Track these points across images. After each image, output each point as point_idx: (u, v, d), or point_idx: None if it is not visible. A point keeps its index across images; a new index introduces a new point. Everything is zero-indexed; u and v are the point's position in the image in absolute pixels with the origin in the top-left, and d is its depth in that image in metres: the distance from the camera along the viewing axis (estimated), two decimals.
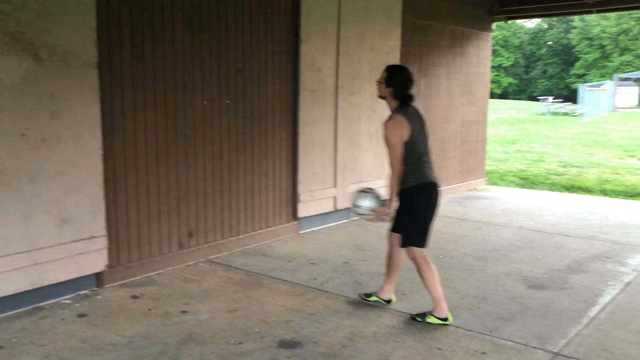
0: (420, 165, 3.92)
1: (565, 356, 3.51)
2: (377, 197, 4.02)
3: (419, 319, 3.98)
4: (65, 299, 4.29)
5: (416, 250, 3.95)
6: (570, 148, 16.75)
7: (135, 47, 4.64)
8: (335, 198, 6.79)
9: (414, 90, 4.02)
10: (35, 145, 3.98)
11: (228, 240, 5.62)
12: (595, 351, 3.59)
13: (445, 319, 3.95)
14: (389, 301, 4.28)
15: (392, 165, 3.91)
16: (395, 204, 4.01)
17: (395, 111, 3.93)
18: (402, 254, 4.14)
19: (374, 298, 4.30)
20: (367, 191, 4.08)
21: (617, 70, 45.62)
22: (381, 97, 4.03)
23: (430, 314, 3.98)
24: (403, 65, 4.16)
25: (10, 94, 3.81)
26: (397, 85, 3.93)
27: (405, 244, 4.00)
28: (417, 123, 3.98)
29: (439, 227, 6.83)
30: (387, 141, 3.88)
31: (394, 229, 4.13)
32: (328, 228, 6.66)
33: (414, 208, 3.95)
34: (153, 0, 4.72)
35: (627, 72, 43.59)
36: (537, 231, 6.72)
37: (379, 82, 4.00)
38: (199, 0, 5.09)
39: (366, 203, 4.00)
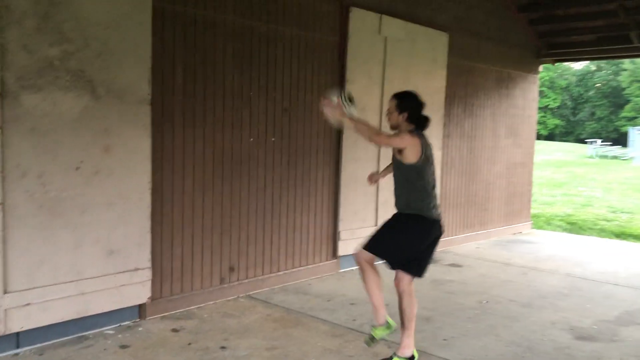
0: (425, 195, 3.74)
1: None
2: (344, 96, 3.79)
3: (370, 343, 3.89)
4: (109, 329, 4.37)
5: (364, 254, 3.78)
6: (620, 193, 16.23)
7: (186, 85, 4.81)
8: None
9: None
10: (89, 178, 4.13)
11: (268, 276, 5.64)
12: None
13: (412, 357, 3.82)
14: (411, 358, 3.86)
15: (381, 136, 3.77)
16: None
17: (410, 131, 3.73)
18: (412, 299, 3.84)
19: (395, 359, 3.87)
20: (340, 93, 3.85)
21: None
22: (393, 127, 3.84)
23: (373, 326, 3.88)
24: (409, 90, 3.94)
25: (69, 128, 3.99)
26: (412, 107, 3.77)
27: (367, 247, 3.79)
28: (430, 151, 3.78)
29: (482, 271, 6.71)
30: (402, 140, 3.67)
31: (369, 246, 3.81)
32: None
33: (408, 230, 3.75)
34: (205, 40, 4.91)
35: None
36: (585, 279, 6.49)
37: (389, 112, 3.84)
38: (250, 41, 5.26)
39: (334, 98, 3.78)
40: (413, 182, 3.75)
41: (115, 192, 4.29)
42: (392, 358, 3.84)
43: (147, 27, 4.40)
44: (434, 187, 3.82)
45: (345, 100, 3.77)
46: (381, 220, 6.75)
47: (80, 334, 4.22)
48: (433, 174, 3.83)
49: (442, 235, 3.91)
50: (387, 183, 6.79)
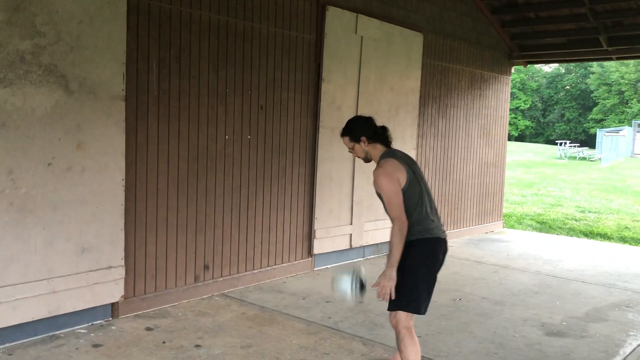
0: (422, 215, 3.30)
1: None
2: (358, 278, 3.30)
3: None
4: (81, 328, 4.30)
5: (402, 316, 3.27)
6: (588, 193, 16.59)
7: (161, 81, 4.76)
8: (350, 235, 6.78)
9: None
10: (61, 175, 4.06)
11: (243, 274, 5.62)
12: None
13: None
14: None
15: (393, 219, 3.23)
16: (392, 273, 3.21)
17: (382, 157, 3.39)
18: (413, 339, 3.33)
19: None
20: (348, 273, 3.34)
21: (636, 116, 45.48)
22: (366, 159, 3.52)
23: None
24: (347, 121, 3.59)
25: (40, 124, 3.91)
26: (361, 129, 3.44)
27: (392, 306, 3.29)
28: (411, 165, 3.40)
29: (455, 269, 6.80)
30: (382, 192, 3.26)
31: (391, 305, 3.32)
32: (343, 266, 6.63)
33: (409, 265, 3.26)
34: (181, 36, 4.86)
35: None
36: (555, 277, 6.62)
37: (351, 150, 3.52)
38: (226, 38, 5.23)
39: (347, 286, 3.28)
40: (405, 210, 3.28)
41: (87, 189, 4.22)
42: None
43: (122, 22, 4.34)
44: (428, 207, 3.37)
45: (356, 287, 3.29)
46: (356, 220, 6.82)
47: (51, 333, 4.15)
48: (424, 192, 3.38)
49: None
50: (362, 182, 6.85)
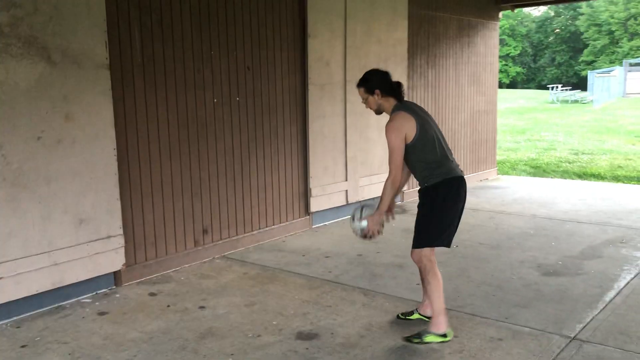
0: (442, 158, 3.52)
1: (582, 340, 3.53)
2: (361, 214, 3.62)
3: (415, 341, 3.51)
4: (85, 298, 4.37)
5: (426, 250, 3.55)
6: (581, 136, 16.64)
7: (145, 47, 4.69)
8: (346, 192, 6.82)
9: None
10: (51, 148, 4.04)
11: (242, 236, 5.67)
12: (612, 334, 3.60)
13: (445, 335, 3.53)
14: (430, 317, 3.68)
15: (390, 170, 3.49)
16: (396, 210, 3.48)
17: (394, 110, 3.57)
18: (435, 275, 3.59)
19: (416, 316, 3.84)
20: (362, 208, 3.65)
21: (627, 55, 45.15)
22: (377, 111, 3.67)
23: (428, 332, 3.53)
24: (366, 72, 3.72)
25: (25, 98, 3.88)
26: (378, 82, 3.59)
27: (416, 244, 3.57)
28: (424, 115, 3.59)
29: None
30: (388, 145, 3.47)
31: (415, 243, 3.61)
32: (341, 222, 6.69)
33: (437, 206, 3.52)
34: (162, 0, 4.77)
35: (637, 57, 43.15)
36: (550, 219, 6.71)
37: (364, 101, 3.66)
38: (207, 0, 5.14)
39: (363, 222, 3.58)
40: (425, 154, 3.51)
41: (80, 161, 4.22)
42: (422, 335, 3.55)
43: None
44: (444, 149, 3.57)
45: (361, 217, 3.59)
46: (351, 175, 6.85)
47: (57, 305, 4.21)
48: (439, 136, 3.56)
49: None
50: (355, 138, 6.84)
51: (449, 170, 3.54)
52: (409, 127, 3.46)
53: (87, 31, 4.19)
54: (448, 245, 3.61)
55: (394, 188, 3.52)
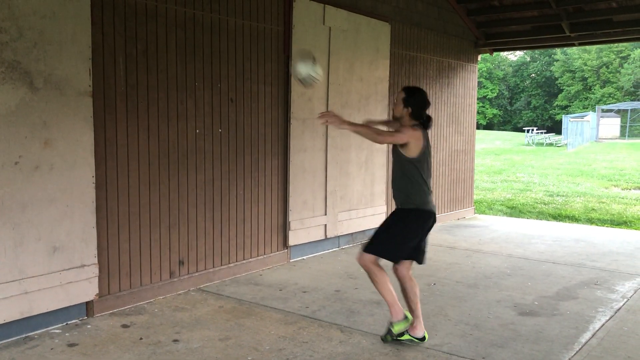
0: (423, 188, 3.89)
1: None
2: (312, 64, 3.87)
3: (389, 339, 4.00)
4: (55, 329, 4.24)
5: (367, 257, 3.89)
6: (555, 178, 16.96)
7: (129, 76, 4.69)
8: (325, 226, 6.81)
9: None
10: (29, 173, 3.98)
11: (219, 268, 5.60)
12: None
13: (406, 318, 3.96)
14: (422, 339, 4.02)
15: (386, 136, 3.95)
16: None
17: (414, 125, 3.90)
18: (413, 282, 4.07)
19: (406, 337, 4.01)
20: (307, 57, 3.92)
21: (599, 101, 46.56)
22: (396, 118, 4.02)
23: (392, 323, 3.96)
24: (419, 87, 4.16)
25: (4, 122, 3.83)
26: (416, 105, 3.92)
27: (370, 250, 3.91)
28: (427, 143, 3.95)
29: (429, 255, 6.83)
30: (400, 135, 3.82)
31: (370, 248, 3.96)
32: (319, 256, 6.66)
33: (403, 226, 3.91)
34: (147, 30, 4.80)
35: (609, 103, 44.50)
36: (526, 259, 6.77)
37: (395, 104, 3.99)
38: (193, 31, 5.18)
39: (304, 69, 3.85)
40: (413, 176, 3.87)
41: (57, 188, 4.15)
42: (403, 335, 3.99)
43: (86, 16, 4.27)
44: (429, 180, 3.97)
45: (314, 67, 3.85)
46: (330, 210, 6.85)
47: (24, 335, 4.08)
48: (429, 168, 3.98)
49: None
50: (335, 172, 6.87)
51: (424, 202, 3.90)
52: (420, 143, 3.83)
53: (71, 58, 4.18)
54: (396, 261, 3.98)
55: (371, 139, 3.83)
